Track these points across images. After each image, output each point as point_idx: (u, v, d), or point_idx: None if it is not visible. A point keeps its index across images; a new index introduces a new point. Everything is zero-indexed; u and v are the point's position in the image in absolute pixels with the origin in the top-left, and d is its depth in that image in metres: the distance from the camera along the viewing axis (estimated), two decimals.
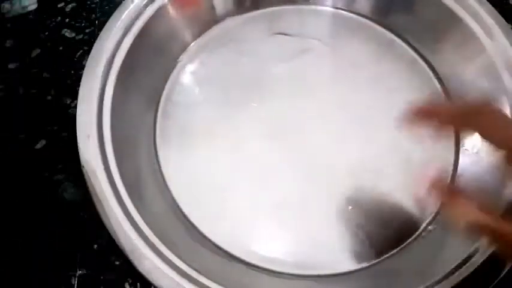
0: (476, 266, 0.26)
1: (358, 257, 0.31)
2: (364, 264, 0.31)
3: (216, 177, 0.33)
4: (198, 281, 0.26)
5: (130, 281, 0.31)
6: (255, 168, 0.33)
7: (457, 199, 0.21)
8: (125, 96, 0.32)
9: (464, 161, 0.33)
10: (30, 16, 0.40)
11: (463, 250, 0.27)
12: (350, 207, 0.32)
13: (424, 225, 0.32)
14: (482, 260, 0.26)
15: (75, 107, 0.30)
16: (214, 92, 0.36)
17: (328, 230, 0.31)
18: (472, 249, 0.27)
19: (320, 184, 0.33)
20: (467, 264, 0.27)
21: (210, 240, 0.31)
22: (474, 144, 0.33)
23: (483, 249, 0.27)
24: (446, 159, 0.34)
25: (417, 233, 0.31)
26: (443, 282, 0.26)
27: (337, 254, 0.31)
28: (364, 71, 0.37)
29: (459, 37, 0.34)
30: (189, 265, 0.27)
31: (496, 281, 0.26)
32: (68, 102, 0.36)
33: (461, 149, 0.34)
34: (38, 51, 0.38)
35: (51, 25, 0.39)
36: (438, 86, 0.36)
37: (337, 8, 0.39)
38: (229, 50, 0.38)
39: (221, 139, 0.34)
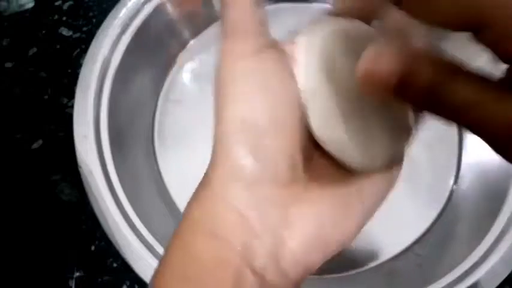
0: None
1: (359, 257, 0.31)
2: (365, 265, 0.30)
3: None
4: None
5: (128, 283, 0.30)
6: None
7: None
8: (123, 95, 0.32)
9: (467, 161, 0.33)
10: (27, 14, 0.39)
11: (464, 252, 0.27)
12: None
13: (426, 227, 0.31)
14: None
15: (72, 106, 0.30)
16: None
17: None
18: (472, 251, 0.27)
19: None
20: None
21: None
22: (476, 146, 0.33)
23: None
24: (448, 160, 0.33)
25: (419, 234, 0.31)
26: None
27: (337, 254, 0.31)
28: None
29: (459, 37, 0.34)
30: None
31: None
32: (65, 101, 0.36)
33: (464, 151, 0.33)
34: (34, 50, 0.38)
35: (48, 23, 0.39)
36: None
37: None
38: None
39: None
